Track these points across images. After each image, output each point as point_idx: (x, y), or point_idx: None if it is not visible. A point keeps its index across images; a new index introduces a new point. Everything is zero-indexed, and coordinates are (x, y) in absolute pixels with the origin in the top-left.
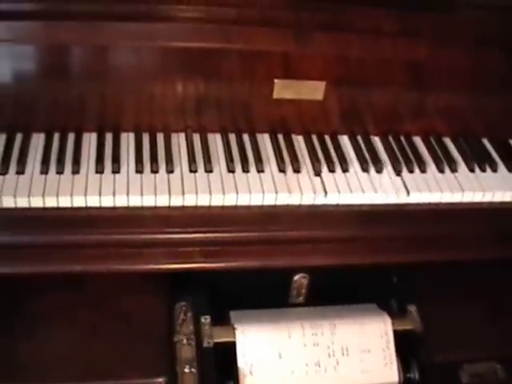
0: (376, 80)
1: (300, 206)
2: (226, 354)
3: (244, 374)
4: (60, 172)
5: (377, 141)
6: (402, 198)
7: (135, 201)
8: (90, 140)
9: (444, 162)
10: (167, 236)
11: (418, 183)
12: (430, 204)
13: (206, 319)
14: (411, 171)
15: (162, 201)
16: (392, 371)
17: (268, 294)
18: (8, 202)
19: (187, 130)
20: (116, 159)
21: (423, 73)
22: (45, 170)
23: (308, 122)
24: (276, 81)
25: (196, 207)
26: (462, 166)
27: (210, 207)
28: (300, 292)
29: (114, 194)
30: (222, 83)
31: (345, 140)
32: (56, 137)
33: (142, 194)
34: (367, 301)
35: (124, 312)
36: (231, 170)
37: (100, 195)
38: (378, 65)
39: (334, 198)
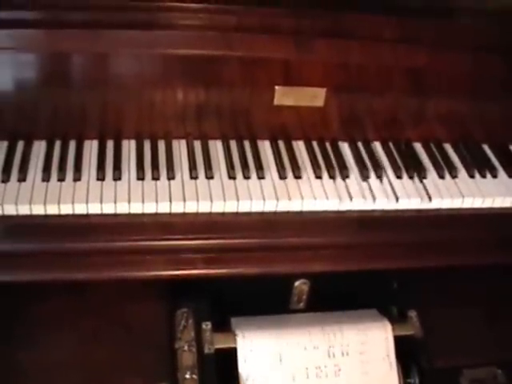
0: (376, 86)
1: (301, 213)
2: (227, 361)
3: (245, 380)
4: (61, 179)
5: (377, 147)
6: (402, 204)
7: (136, 208)
8: (91, 147)
9: (444, 168)
10: (168, 243)
11: (419, 189)
12: (430, 210)
13: (207, 326)
14: (411, 177)
15: (163, 208)
16: (392, 376)
17: (269, 301)
18: (9, 210)
19: (188, 137)
20: (117, 166)
21: (423, 79)
22: (46, 178)
23: (308, 128)
24: (277, 87)
25: (197, 214)
26: (462, 172)
27: (210, 214)
28: (301, 298)
29: (115, 201)
30: (222, 90)
31: (345, 146)
32: (57, 144)
33: (143, 201)
34: (368, 307)
35: (125, 319)
36: (232, 177)
37: (101, 202)
38: (379, 71)
39: (335, 205)
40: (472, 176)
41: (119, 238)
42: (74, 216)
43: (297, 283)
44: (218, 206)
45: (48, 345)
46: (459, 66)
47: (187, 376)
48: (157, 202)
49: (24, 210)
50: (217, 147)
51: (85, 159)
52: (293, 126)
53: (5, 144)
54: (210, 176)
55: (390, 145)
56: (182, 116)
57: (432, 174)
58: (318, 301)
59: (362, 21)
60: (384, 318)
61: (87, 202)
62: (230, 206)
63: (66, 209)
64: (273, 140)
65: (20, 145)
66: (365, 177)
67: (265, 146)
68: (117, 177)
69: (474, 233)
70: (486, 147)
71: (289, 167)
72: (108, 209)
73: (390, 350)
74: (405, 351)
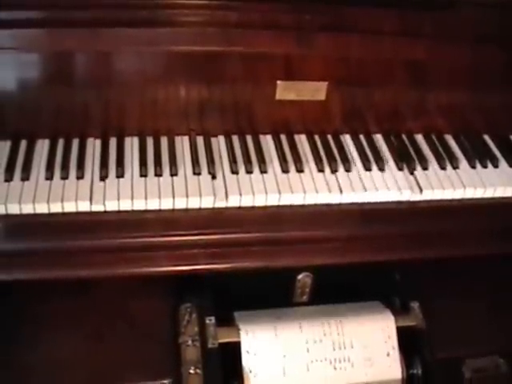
0: (377, 79)
1: (303, 206)
2: (231, 355)
3: (249, 374)
4: (65, 178)
5: (379, 139)
6: (403, 196)
7: (139, 204)
8: (94, 145)
9: (446, 158)
10: (171, 239)
11: (420, 181)
12: (432, 201)
13: (210, 320)
14: (413, 169)
15: (166, 204)
16: (395, 367)
17: (272, 294)
18: (13, 209)
19: (191, 133)
20: (120, 163)
21: (424, 71)
22: (49, 176)
23: (310, 122)
24: (278, 82)
25: (200, 209)
26: (463, 163)
27: (213, 209)
28: (304, 291)
29: (118, 199)
30: (224, 86)
31: (347, 139)
32: (60, 143)
33: (146, 198)
34: (370, 298)
35: (129, 315)
36: (235, 172)
37: (104, 200)
38: (379, 64)
39: (337, 197)
40: (473, 166)
41: (122, 235)
42: (77, 214)
43: (300, 276)
44: (221, 201)
45: (53, 342)
46: (459, 58)
47: (191, 371)
48: (160, 198)
49: (27, 208)
50: (219, 143)
51: (88, 157)
52: (295, 120)
53: (8, 143)
54: (212, 171)
55: (392, 137)
56: (184, 112)
57: (433, 165)
58: (321, 294)
59: (362, 14)
60: (387, 310)
61: (90, 200)
62: (232, 201)
63: (69, 207)
64: (275, 134)
65: (23, 144)
66: (367, 169)
67: (267, 141)
68: (120, 174)
69: (476, 223)
70: (486, 137)
71: (291, 161)
72: (111, 206)
73: (392, 341)
74: (407, 342)
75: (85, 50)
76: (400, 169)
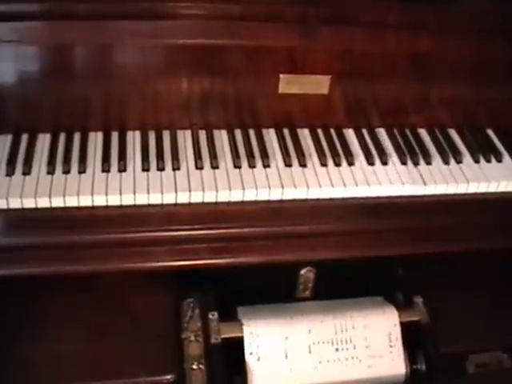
0: (380, 73)
1: (306, 200)
2: (234, 350)
3: (252, 369)
4: (66, 172)
5: (382, 133)
6: (407, 190)
7: (142, 199)
8: (95, 139)
9: (449, 153)
10: (174, 233)
11: (424, 175)
12: (435, 195)
13: (213, 315)
14: (416, 163)
15: (169, 198)
16: (399, 363)
17: (275, 289)
18: (15, 203)
19: (193, 127)
20: (122, 158)
21: (427, 64)
22: (51, 171)
23: (313, 116)
24: (281, 76)
25: (203, 204)
26: (467, 157)
27: (216, 203)
28: (307, 286)
29: (120, 193)
30: (227, 79)
31: (350, 133)
32: (62, 137)
33: (148, 192)
34: (374, 294)
35: (132, 310)
36: (237, 166)
37: (107, 194)
38: (383, 57)
39: (340, 192)
40: (477, 161)
41: (125, 230)
42: (79, 208)
43: (303, 271)
44: (224, 196)
45: (55, 338)
46: (462, 51)
47: (194, 366)
48: (162, 192)
49: (29, 203)
50: (222, 136)
51: (89, 151)
52: (298, 114)
53: (9, 137)
54: (215, 165)
55: (395, 131)
56: (186, 106)
57: (437, 159)
58: (324, 289)
59: (365, 7)
60: (390, 305)
61: (92, 194)
62: (235, 195)
63: (71, 201)
64: (278, 128)
65: (24, 138)
66: (370, 163)
67: (270, 135)
68: (122, 168)
69: (479, 218)
70: (490, 132)
71: (294, 155)
72: (113, 200)
73: (396, 336)
74: (411, 337)
75: (86, 43)
76: (403, 163)
